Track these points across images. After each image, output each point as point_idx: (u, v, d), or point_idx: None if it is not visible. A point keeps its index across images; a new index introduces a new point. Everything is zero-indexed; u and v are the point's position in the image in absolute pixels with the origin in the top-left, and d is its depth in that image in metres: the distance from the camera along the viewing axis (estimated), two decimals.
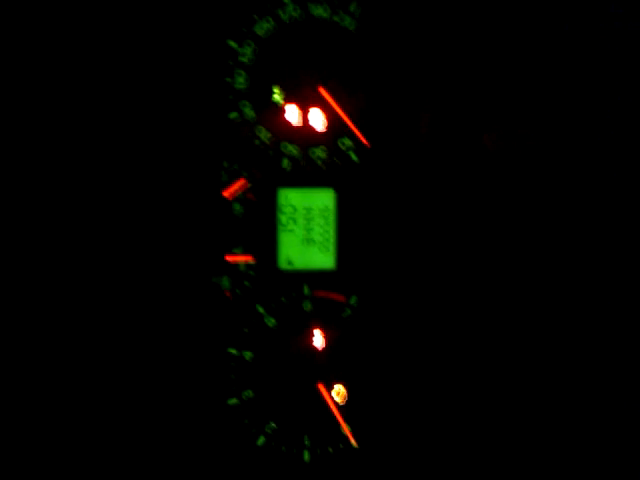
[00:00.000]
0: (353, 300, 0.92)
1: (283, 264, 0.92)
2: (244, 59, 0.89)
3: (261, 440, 0.92)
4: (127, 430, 0.89)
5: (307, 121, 0.91)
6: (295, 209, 0.92)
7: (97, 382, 0.88)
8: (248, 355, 0.92)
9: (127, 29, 0.87)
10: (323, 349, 0.92)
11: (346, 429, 0.91)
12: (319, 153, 0.91)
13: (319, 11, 0.90)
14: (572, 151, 0.92)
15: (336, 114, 0.90)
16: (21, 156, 0.87)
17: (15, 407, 0.88)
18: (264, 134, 0.90)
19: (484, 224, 0.92)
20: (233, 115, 0.90)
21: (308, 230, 0.92)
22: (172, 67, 0.88)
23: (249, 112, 0.90)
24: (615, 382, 0.92)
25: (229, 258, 0.91)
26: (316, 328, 0.92)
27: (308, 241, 0.92)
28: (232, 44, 0.89)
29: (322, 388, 0.91)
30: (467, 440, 0.92)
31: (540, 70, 0.91)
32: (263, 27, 0.89)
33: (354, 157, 0.91)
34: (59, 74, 0.87)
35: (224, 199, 0.90)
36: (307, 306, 0.92)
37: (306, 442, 0.92)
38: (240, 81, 0.89)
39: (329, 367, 0.92)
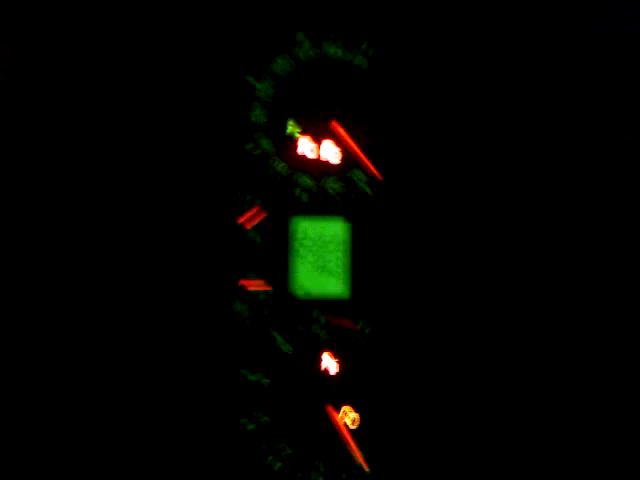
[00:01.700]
0: (363, 326, 0.94)
1: (296, 290, 0.94)
2: (261, 94, 0.94)
3: (277, 466, 0.93)
4: (141, 450, 0.91)
5: (320, 153, 0.95)
6: (308, 237, 0.95)
7: (111, 402, 0.91)
8: (262, 379, 0.93)
9: (150, 63, 0.92)
10: (335, 374, 0.94)
11: (357, 453, 0.92)
12: (331, 184, 0.95)
13: (333, 50, 0.95)
14: (585, 185, 0.94)
15: (348, 146, 0.94)
16: (48, 170, 0.92)
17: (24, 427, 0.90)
18: (279, 165, 0.94)
19: (497, 253, 0.94)
20: (249, 146, 0.94)
21: (321, 258, 0.95)
22: (193, 100, 0.93)
23: (265, 144, 0.94)
24: (615, 382, 0.92)
25: (244, 283, 0.93)
26: (328, 353, 0.94)
27: (321, 268, 0.95)
28: (250, 80, 0.94)
29: (332, 412, 0.92)
30: (482, 464, 0.92)
31: (556, 101, 0.94)
32: (280, 64, 0.94)
33: (365, 187, 0.95)
34: (82, 108, 0.92)
35: (239, 226, 0.93)
36: (319, 332, 0.94)
37: (321, 468, 0.93)
38: (257, 114, 0.94)
39: (341, 392, 0.94)
